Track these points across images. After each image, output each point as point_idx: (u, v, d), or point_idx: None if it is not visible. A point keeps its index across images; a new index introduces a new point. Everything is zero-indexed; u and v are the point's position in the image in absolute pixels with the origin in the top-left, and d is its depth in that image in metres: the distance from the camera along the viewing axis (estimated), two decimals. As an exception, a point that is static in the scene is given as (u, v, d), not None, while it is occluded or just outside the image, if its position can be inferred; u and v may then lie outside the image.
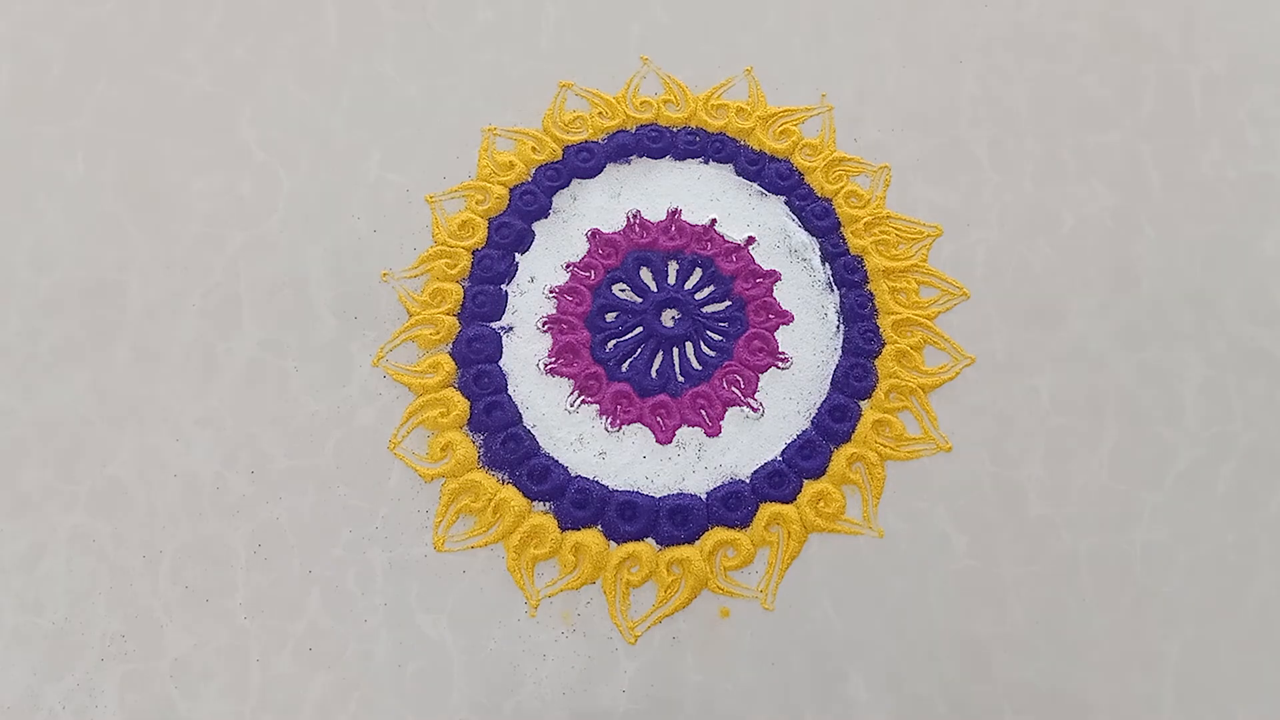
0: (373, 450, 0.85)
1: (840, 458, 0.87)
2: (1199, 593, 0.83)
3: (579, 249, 0.96)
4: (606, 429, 0.88)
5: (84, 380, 0.87)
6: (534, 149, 1.00)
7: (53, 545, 0.81)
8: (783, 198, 1.00)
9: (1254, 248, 0.99)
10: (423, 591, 0.80)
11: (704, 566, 0.82)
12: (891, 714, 0.78)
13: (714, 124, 1.03)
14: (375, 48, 1.06)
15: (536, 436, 0.87)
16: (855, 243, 0.97)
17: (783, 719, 0.77)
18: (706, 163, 1.01)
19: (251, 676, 0.77)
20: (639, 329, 0.93)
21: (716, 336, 0.93)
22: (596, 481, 0.85)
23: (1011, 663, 0.80)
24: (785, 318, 0.94)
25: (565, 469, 0.86)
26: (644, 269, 0.96)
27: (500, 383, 0.89)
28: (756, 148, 1.02)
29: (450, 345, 0.91)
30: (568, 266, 0.95)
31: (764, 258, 0.97)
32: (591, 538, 0.83)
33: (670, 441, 0.88)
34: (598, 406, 0.89)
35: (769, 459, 0.87)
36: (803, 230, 0.98)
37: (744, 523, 0.84)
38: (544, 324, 0.92)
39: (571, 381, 0.90)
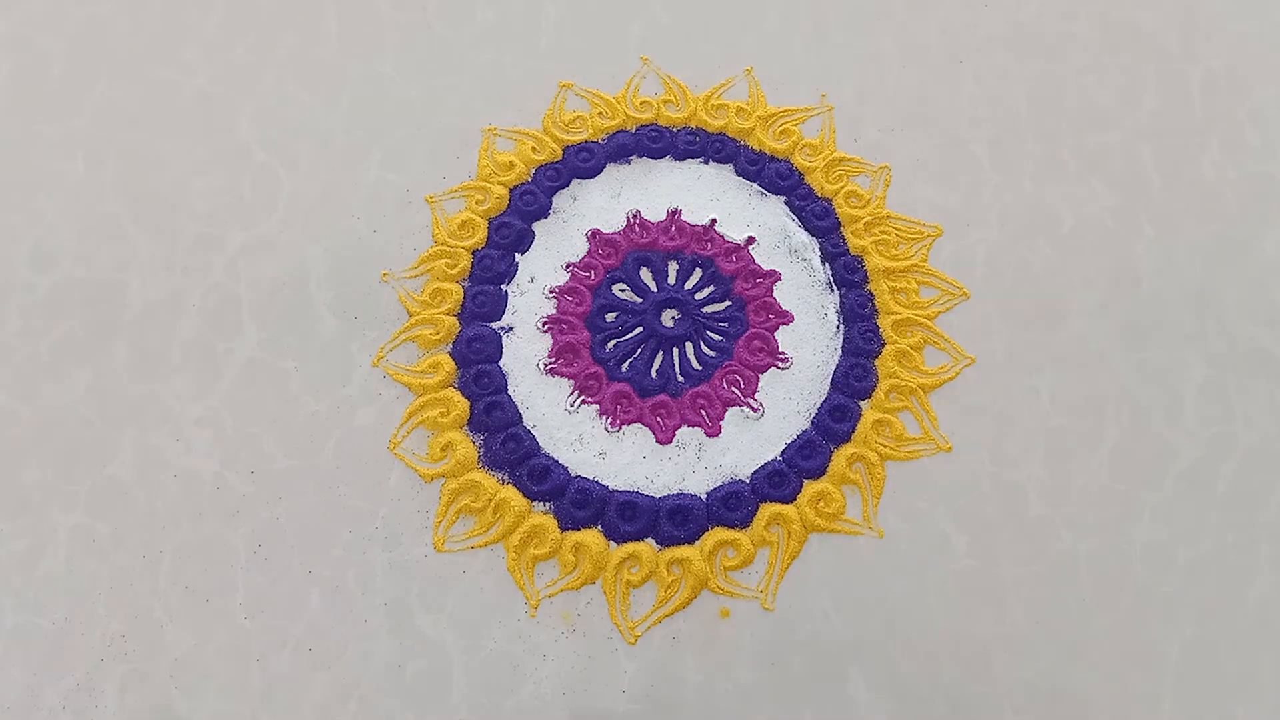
0: (373, 450, 0.85)
1: (840, 458, 0.87)
2: (1199, 593, 0.83)
3: (579, 249, 0.96)
4: (606, 429, 0.88)
5: (84, 380, 0.87)
6: (534, 149, 1.00)
7: (53, 545, 0.81)
8: (783, 198, 1.00)
9: (1254, 248, 0.99)
10: (423, 591, 0.80)
11: (704, 566, 0.82)
12: (891, 714, 0.78)
13: (714, 124, 1.03)
14: (375, 48, 1.06)
15: (536, 436, 0.87)
16: (855, 243, 0.97)
17: (783, 719, 0.78)
18: (706, 163, 1.01)
19: (251, 676, 0.77)
20: (639, 329, 0.93)
21: (716, 336, 0.93)
22: (596, 481, 0.85)
23: (1011, 663, 0.80)
24: (785, 318, 0.94)
25: (565, 469, 0.86)
26: (644, 269, 0.96)
27: (500, 383, 0.89)
28: (756, 148, 1.02)
29: (450, 345, 0.91)
30: (568, 266, 0.95)
31: (764, 258, 0.97)
32: (591, 538, 0.83)
33: (670, 441, 0.88)
34: (598, 406, 0.89)
35: (769, 459, 0.87)
36: (803, 230, 0.98)
37: (744, 523, 0.84)
38: (544, 324, 0.92)
39: (571, 381, 0.90)
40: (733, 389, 0.90)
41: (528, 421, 0.88)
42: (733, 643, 0.80)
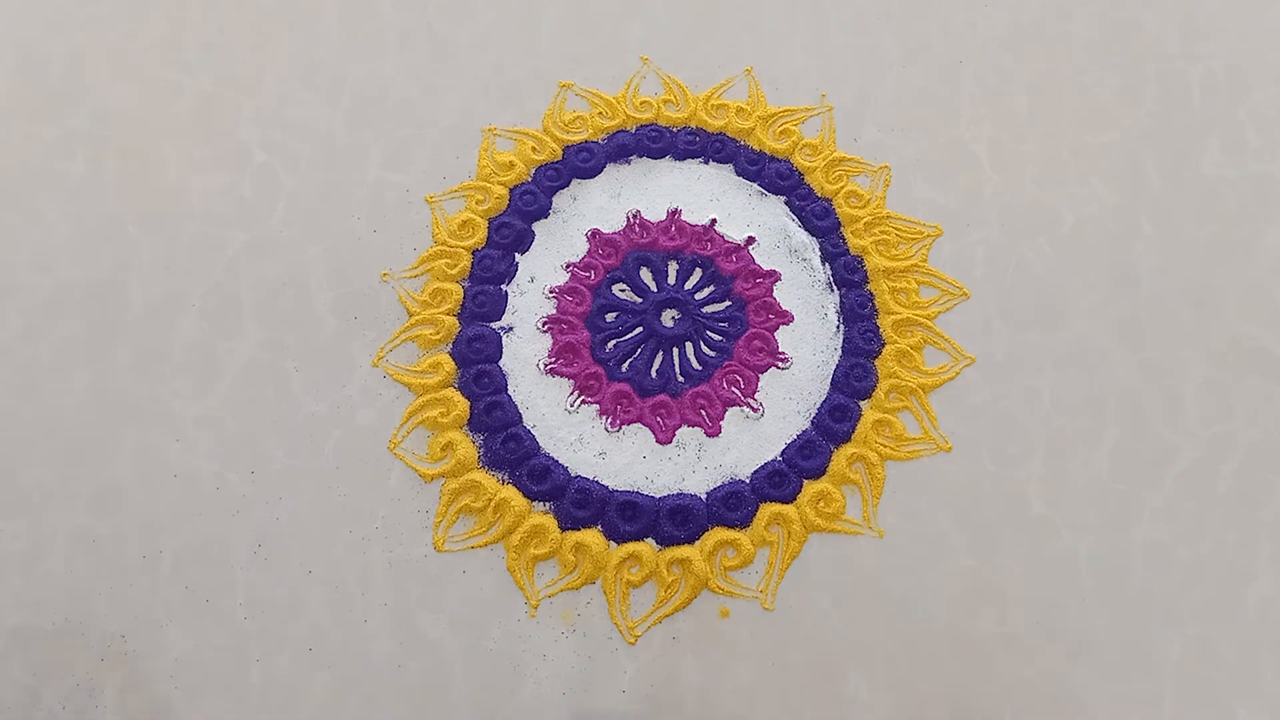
0: (373, 450, 0.85)
1: (840, 458, 0.87)
2: (1199, 593, 0.83)
3: (579, 249, 0.96)
4: (606, 429, 0.88)
5: (84, 380, 0.87)
6: (534, 149, 1.00)
7: (53, 545, 0.81)
8: (783, 198, 1.00)
9: (1254, 248, 0.99)
10: (423, 591, 0.80)
11: (704, 566, 0.82)
12: (891, 714, 0.78)
13: (714, 124, 1.03)
14: (375, 48, 1.06)
15: (536, 436, 0.87)
16: (855, 243, 0.97)
17: (783, 719, 0.78)
18: (706, 163, 1.01)
19: (251, 676, 0.77)
20: (639, 329, 0.93)
21: (716, 336, 0.93)
22: (596, 481, 0.85)
23: (1011, 663, 0.80)
24: (785, 318, 0.94)
25: (565, 469, 0.86)
26: (644, 269, 0.96)
27: (500, 383, 0.89)
28: (756, 148, 1.02)
29: (450, 345, 0.91)
30: (568, 266, 0.95)
31: (764, 258, 0.97)
32: (592, 538, 0.83)
33: (670, 441, 0.88)
34: (598, 406, 0.89)
35: (769, 459, 0.87)
36: (803, 230, 0.98)
37: (744, 523, 0.84)
38: (544, 324, 0.92)
39: (571, 381, 0.90)
40: (733, 389, 0.90)
41: (528, 421, 0.88)
42: (733, 643, 0.80)
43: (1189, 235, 0.99)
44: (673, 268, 0.96)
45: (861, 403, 0.90)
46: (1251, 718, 0.80)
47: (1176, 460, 0.89)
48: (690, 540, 0.83)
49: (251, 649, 0.78)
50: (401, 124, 1.01)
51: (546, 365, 0.90)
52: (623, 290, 0.95)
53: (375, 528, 0.82)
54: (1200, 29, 1.11)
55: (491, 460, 0.86)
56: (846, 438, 0.88)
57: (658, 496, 0.85)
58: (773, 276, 0.95)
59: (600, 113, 1.03)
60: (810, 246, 0.97)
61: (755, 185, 1.00)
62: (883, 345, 0.92)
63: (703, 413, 0.89)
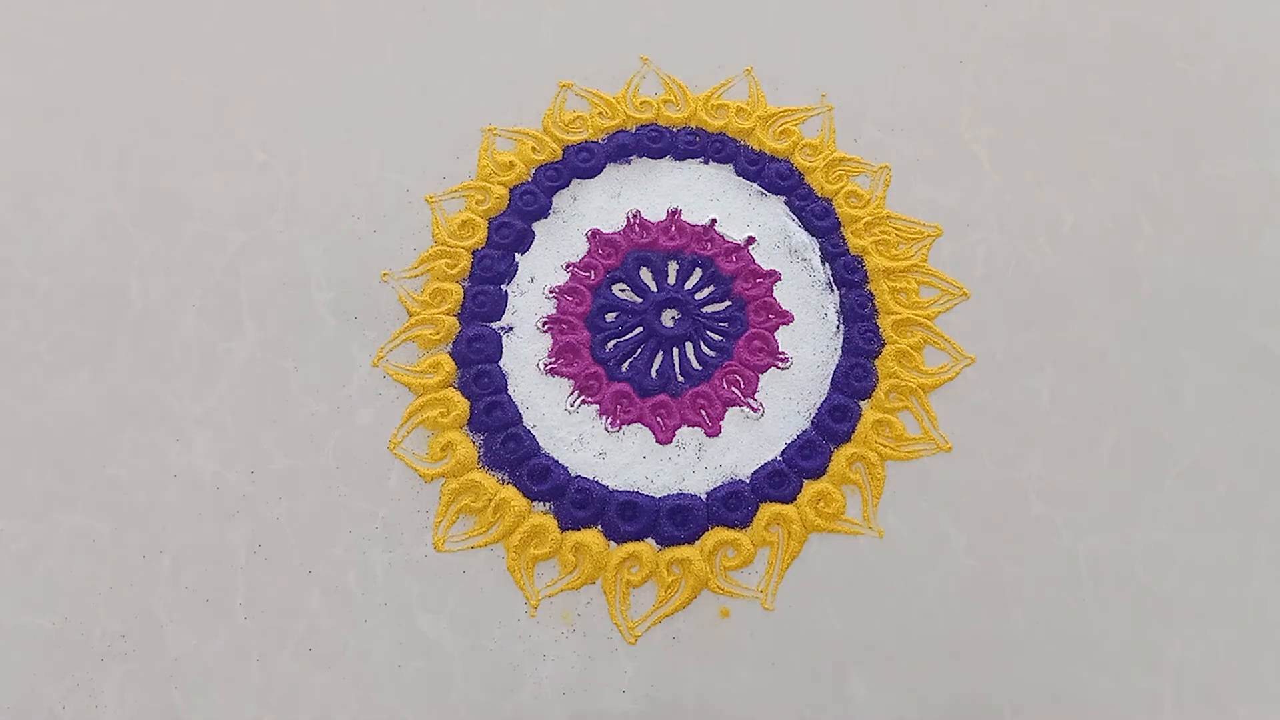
0: (373, 450, 0.85)
1: (840, 458, 0.87)
2: (1199, 593, 0.83)
3: (579, 249, 0.96)
4: (606, 429, 0.88)
5: (84, 380, 0.87)
6: (534, 149, 1.00)
7: (53, 545, 0.81)
8: (783, 198, 1.00)
9: (1254, 248, 0.99)
10: (423, 591, 0.80)
11: (704, 566, 0.82)
12: (891, 714, 0.78)
13: (714, 124, 1.03)
14: (375, 48, 1.06)
15: (536, 436, 0.87)
16: (855, 243, 0.97)
17: (783, 719, 0.77)
18: (706, 163, 1.01)
19: (251, 676, 0.77)
20: (639, 329, 0.93)
21: (716, 336, 0.93)
22: (596, 481, 0.85)
23: (1011, 663, 0.80)
24: (785, 318, 0.94)
25: (565, 469, 0.86)
26: (644, 269, 0.96)
27: (500, 383, 0.89)
28: (756, 148, 1.02)
29: (450, 345, 0.91)
30: (568, 266, 0.95)
31: (764, 258, 0.97)
32: (592, 538, 0.83)
33: (670, 441, 0.88)
34: (598, 406, 0.89)
35: (769, 459, 0.87)
36: (803, 230, 0.98)
37: (744, 523, 0.84)
38: (544, 324, 0.92)
39: (571, 381, 0.90)
40: (733, 389, 0.90)
41: (528, 421, 0.88)
42: (733, 643, 0.80)
43: (1189, 235, 0.99)
44: (673, 268, 0.96)
45: (861, 403, 0.90)
46: (1251, 718, 0.80)
47: (1176, 460, 0.88)
48: (690, 540, 0.83)
49: (251, 649, 0.78)
50: (401, 124, 1.01)
51: (546, 365, 0.90)
52: (623, 290, 0.95)
53: (375, 528, 0.82)
54: (1200, 29, 1.11)
55: (491, 460, 0.86)
56: (846, 438, 0.88)
57: (658, 496, 0.85)
58: (773, 276, 0.95)
59: (600, 113, 1.03)
60: (810, 246, 0.97)
61: (755, 185, 1.00)
62: (883, 345, 0.92)
63: (703, 413, 0.89)
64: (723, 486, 0.86)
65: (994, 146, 1.03)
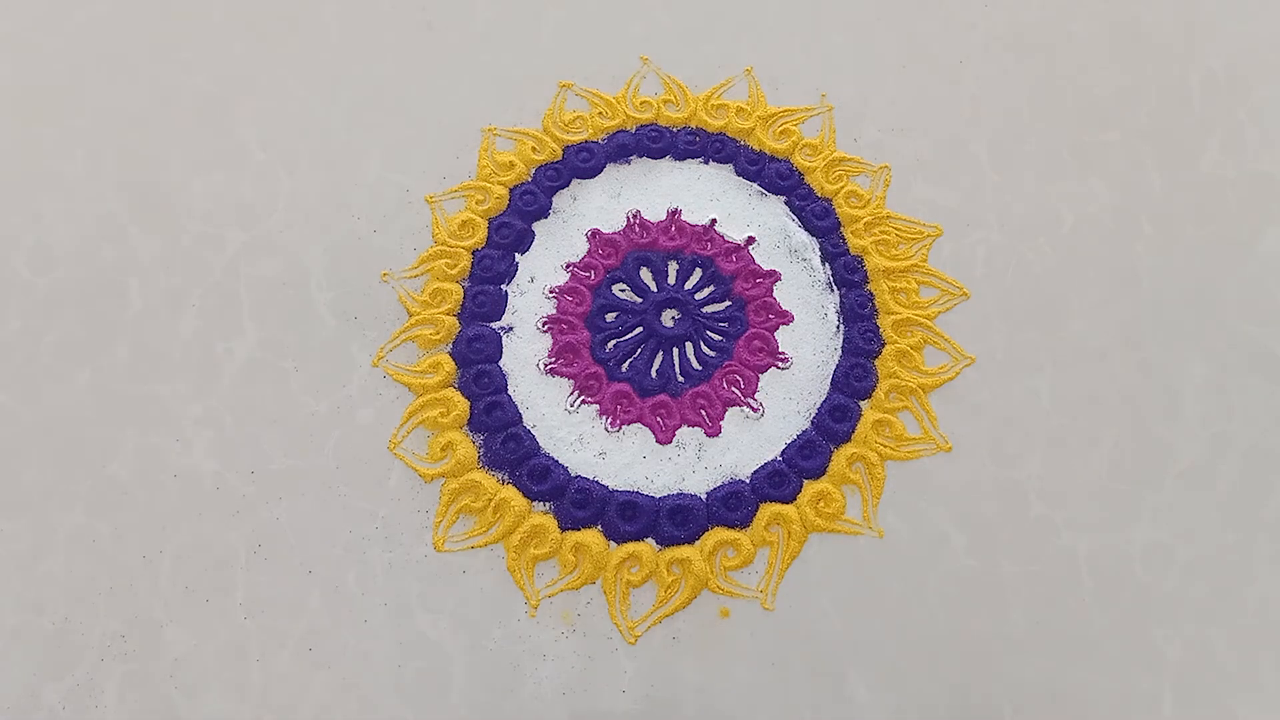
0: (373, 450, 0.85)
1: (840, 458, 0.87)
2: (1199, 593, 0.83)
3: (579, 249, 0.96)
4: (606, 429, 0.88)
5: (84, 380, 0.87)
6: (534, 149, 1.00)
7: (53, 545, 0.81)
8: (783, 198, 1.00)
9: (1254, 248, 0.99)
10: (423, 591, 0.80)
11: (704, 566, 0.82)
12: (891, 714, 0.78)
13: (714, 124, 1.03)
14: (375, 48, 1.06)
15: (536, 436, 0.87)
16: (855, 243, 0.97)
17: (783, 719, 0.77)
18: (706, 163, 1.01)
19: (251, 676, 0.77)
20: (639, 329, 0.93)
21: (716, 336, 0.93)
22: (596, 481, 0.85)
23: (1011, 663, 0.80)
24: (785, 318, 0.94)
25: (565, 469, 0.86)
26: (644, 269, 0.96)
27: (500, 383, 0.89)
28: (756, 148, 1.02)
29: (450, 345, 0.91)
30: (568, 266, 0.95)
31: (764, 258, 0.97)
32: (592, 538, 0.83)
33: (670, 441, 0.88)
34: (598, 406, 0.89)
35: (769, 459, 0.87)
36: (803, 230, 0.98)
37: (744, 523, 0.84)
38: (544, 324, 0.92)
39: (571, 381, 0.90)
40: (733, 389, 0.90)
41: (528, 421, 0.88)
42: (733, 643, 0.80)
43: (1189, 235, 0.99)
44: (673, 268, 0.96)
45: (861, 403, 0.90)
46: (1251, 717, 0.80)
47: (1176, 460, 0.89)
48: (690, 540, 0.83)
49: (251, 649, 0.78)
50: (401, 124, 1.01)
51: (546, 365, 0.90)
52: (623, 290, 0.95)
53: (375, 528, 0.82)
54: (1200, 29, 1.11)
55: (491, 460, 0.86)
56: (846, 438, 0.88)
57: (658, 496, 0.85)
58: (773, 276, 0.95)
59: (600, 113, 1.03)
60: (810, 246, 0.97)
61: (755, 185, 1.00)
62: (883, 345, 0.92)
63: (703, 413, 0.89)
64: (723, 486, 0.86)
65: (994, 146, 1.03)
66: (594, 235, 0.97)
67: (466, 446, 0.86)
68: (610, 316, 0.93)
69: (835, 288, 0.95)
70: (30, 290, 0.91)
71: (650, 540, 0.83)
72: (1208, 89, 1.08)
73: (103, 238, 0.94)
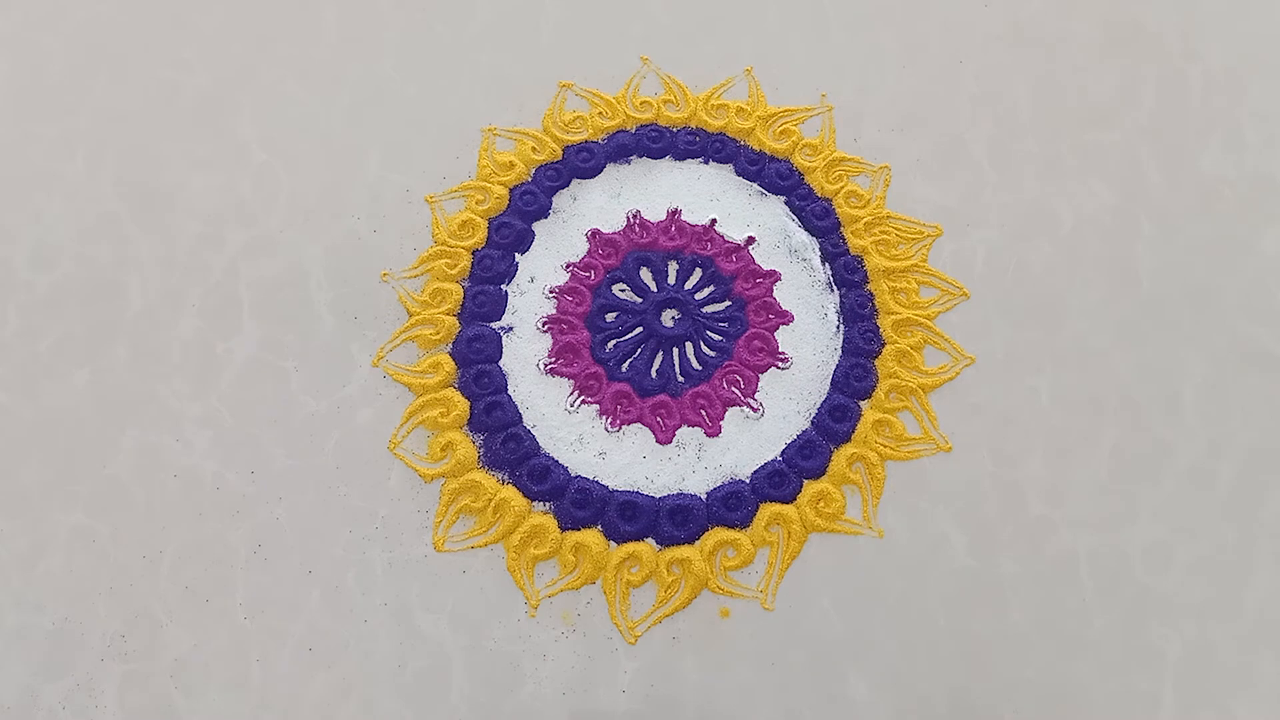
0: (373, 450, 0.85)
1: (840, 458, 0.87)
2: (1199, 593, 0.83)
3: (579, 249, 0.96)
4: (606, 429, 0.88)
5: (84, 380, 0.87)
6: (534, 149, 1.00)
7: (53, 545, 0.81)
8: (783, 198, 1.00)
9: (1254, 247, 0.99)
10: (423, 591, 0.80)
11: (704, 566, 0.82)
12: (891, 714, 0.78)
13: (714, 124, 1.03)
14: (375, 48, 1.06)
15: (536, 436, 0.87)
16: (855, 243, 0.97)
17: (783, 719, 0.78)
18: (706, 163, 1.01)
19: (251, 676, 0.77)
20: (639, 329, 0.93)
21: (716, 336, 0.93)
22: (596, 481, 0.85)
23: (1011, 663, 0.80)
24: (785, 318, 0.94)
25: (565, 469, 0.86)
26: (644, 269, 0.96)
27: (500, 383, 0.89)
28: (756, 148, 1.02)
29: (450, 345, 0.91)
30: (568, 266, 0.95)
31: (764, 258, 0.97)
32: (592, 538, 0.83)
33: (670, 441, 0.88)
34: (598, 406, 0.89)
35: (769, 459, 0.87)
36: (803, 230, 0.98)
37: (744, 523, 0.84)
38: (544, 324, 0.92)
39: (571, 381, 0.90)
40: (733, 389, 0.90)
41: (528, 421, 0.88)
42: (733, 643, 0.80)
43: (1189, 235, 0.99)
44: (673, 268, 0.96)
45: (861, 403, 0.90)
46: (1250, 717, 0.80)
47: (1176, 460, 0.89)
48: (690, 540, 0.83)
49: (251, 649, 0.78)
50: (401, 124, 1.01)
51: (546, 365, 0.90)
52: (623, 290, 0.95)
53: (375, 528, 0.82)
54: (1200, 29, 1.11)
55: (491, 460, 0.86)
56: (846, 438, 0.88)
57: (658, 496, 0.85)
58: (773, 276, 0.95)
59: (600, 113, 1.03)
60: (810, 246, 0.97)
61: (755, 185, 1.00)
62: (883, 345, 0.92)
63: (703, 413, 0.89)
64: (723, 486, 0.86)
65: (994, 146, 1.03)
66: (594, 235, 0.97)
67: (466, 446, 0.86)
68: (610, 316, 0.93)
69: (835, 288, 0.95)
70: (30, 290, 0.91)
71: (650, 540, 0.83)
72: (1208, 89, 1.08)
73: (103, 238, 0.94)
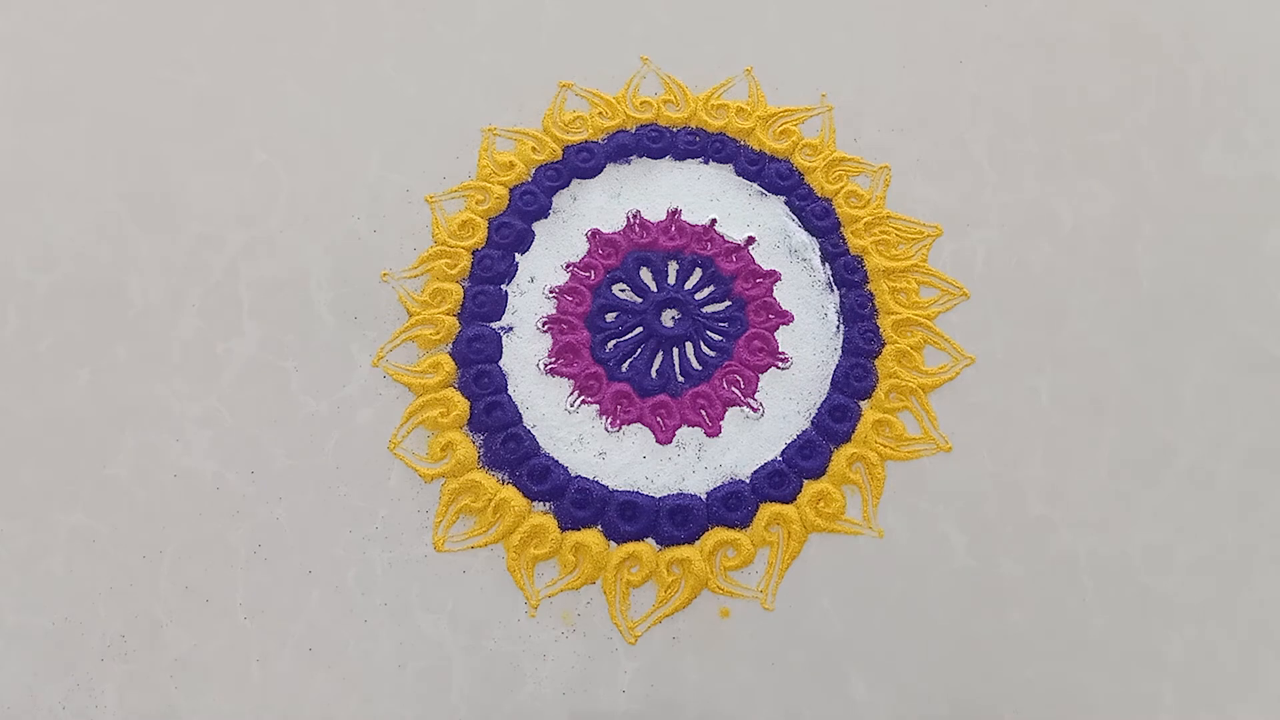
0: (373, 450, 0.85)
1: (840, 458, 0.87)
2: (1199, 593, 0.83)
3: (579, 249, 0.96)
4: (606, 429, 0.88)
5: (84, 380, 0.87)
6: (534, 149, 1.00)
7: (53, 545, 0.81)
8: (783, 198, 1.00)
9: (1254, 247, 0.99)
10: (423, 591, 0.80)
11: (704, 566, 0.82)
12: (891, 714, 0.78)
13: (714, 124, 1.03)
14: (375, 48, 1.06)
15: (536, 436, 0.87)
16: (855, 243, 0.97)
17: (782, 719, 0.78)
18: (706, 163, 1.01)
19: (251, 676, 0.77)
20: (639, 329, 0.93)
21: (716, 336, 0.93)
22: (596, 481, 0.85)
23: (1011, 663, 0.80)
24: (785, 318, 0.94)
25: (565, 469, 0.86)
26: (644, 269, 0.96)
27: (500, 383, 0.89)
28: (756, 148, 1.02)
29: (450, 345, 0.91)
30: (568, 266, 0.95)
31: (764, 258, 0.97)
32: (592, 538, 0.83)
33: (670, 441, 0.88)
34: (598, 406, 0.89)
35: (769, 459, 0.87)
36: (803, 230, 0.98)
37: (744, 523, 0.84)
38: (544, 324, 0.92)
39: (571, 381, 0.90)
40: (733, 389, 0.90)
41: (528, 421, 0.88)
42: (733, 643, 0.80)
43: (1189, 235, 0.99)
44: (673, 268, 0.96)
45: (861, 403, 0.90)
46: (1251, 718, 0.80)
47: (1176, 460, 0.89)
48: (690, 540, 0.83)
49: (251, 649, 0.78)
50: (401, 124, 1.01)
51: (546, 365, 0.90)
52: (623, 290, 0.95)
53: (375, 528, 0.82)
54: (1200, 29, 1.11)
55: (491, 460, 0.86)
56: (846, 438, 0.88)
57: (658, 496, 0.85)
58: (773, 276, 0.95)
59: (600, 113, 1.03)
60: (810, 246, 0.97)
61: (755, 185, 1.00)
62: (883, 345, 0.92)
63: (703, 413, 0.89)
64: (723, 486, 0.86)
65: (994, 146, 1.03)
66: (594, 235, 0.97)
67: (466, 446, 0.86)
68: (610, 316, 0.93)
69: (835, 288, 0.95)
70: (30, 290, 0.91)
71: (650, 540, 0.83)
72: (1208, 89, 1.08)
73: (103, 238, 0.94)
